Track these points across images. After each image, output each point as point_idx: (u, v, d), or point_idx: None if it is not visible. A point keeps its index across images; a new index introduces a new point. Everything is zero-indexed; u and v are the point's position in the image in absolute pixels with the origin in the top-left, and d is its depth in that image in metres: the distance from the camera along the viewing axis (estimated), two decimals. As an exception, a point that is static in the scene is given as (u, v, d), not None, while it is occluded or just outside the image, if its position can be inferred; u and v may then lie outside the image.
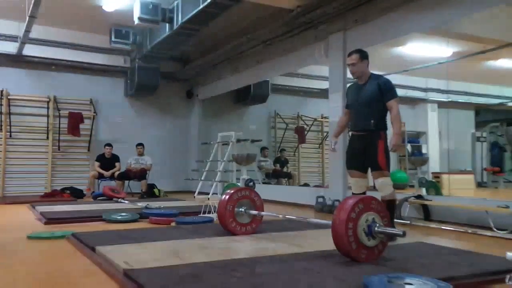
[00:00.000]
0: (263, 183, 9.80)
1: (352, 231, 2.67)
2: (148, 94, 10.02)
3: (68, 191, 8.74)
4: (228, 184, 5.49)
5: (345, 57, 6.27)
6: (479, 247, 3.68)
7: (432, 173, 12.05)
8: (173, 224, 4.66)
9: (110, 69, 9.79)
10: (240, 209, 3.77)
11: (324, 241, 3.11)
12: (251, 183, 5.23)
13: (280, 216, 3.56)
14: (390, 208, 3.66)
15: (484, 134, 14.18)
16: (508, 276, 2.04)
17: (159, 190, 9.25)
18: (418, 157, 8.08)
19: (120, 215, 5.16)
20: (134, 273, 2.41)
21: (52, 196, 8.40)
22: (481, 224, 4.44)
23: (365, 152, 3.66)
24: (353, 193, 3.86)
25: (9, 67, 9.06)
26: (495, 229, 4.16)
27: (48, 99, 9.32)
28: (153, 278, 2.30)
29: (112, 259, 2.75)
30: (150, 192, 8.98)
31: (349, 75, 5.02)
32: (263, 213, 3.73)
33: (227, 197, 3.75)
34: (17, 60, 8.99)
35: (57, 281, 2.55)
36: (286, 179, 10.34)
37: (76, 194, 8.68)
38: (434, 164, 12.91)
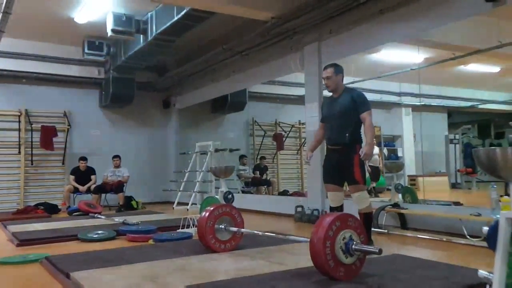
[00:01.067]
0: (243, 191, 9.78)
1: (329, 249, 2.68)
2: (123, 105, 9.89)
3: (42, 207, 8.51)
4: (207, 197, 5.45)
5: (320, 68, 6.37)
6: (453, 257, 3.75)
7: (408, 176, 12.28)
8: (151, 241, 4.59)
9: (84, 80, 9.64)
10: (220, 226, 3.75)
11: (303, 257, 3.09)
12: (230, 196, 5.21)
13: (260, 233, 3.54)
14: (367, 221, 3.71)
15: (457, 136, 14.54)
16: (482, 293, 2.07)
17: (136, 202, 9.13)
18: (394, 163, 8.19)
19: (96, 233, 5.06)
20: (110, 303, 2.36)
21: (25, 212, 8.17)
22: (455, 232, 4.53)
23: (341, 166, 3.70)
24: (330, 207, 3.89)
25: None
26: (468, 237, 4.25)
27: (19, 113, 9.10)
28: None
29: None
30: (127, 205, 8.85)
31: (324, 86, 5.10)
32: (243, 230, 3.71)
33: (207, 214, 3.72)
34: (-16, 73, 8.77)
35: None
36: (265, 186, 10.34)
37: (50, 210, 8.47)
38: (410, 167, 13.17)
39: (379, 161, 10.49)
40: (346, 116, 3.69)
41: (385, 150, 11.42)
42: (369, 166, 10.18)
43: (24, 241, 4.87)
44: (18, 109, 9.14)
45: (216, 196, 5.35)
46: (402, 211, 5.03)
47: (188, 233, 4.73)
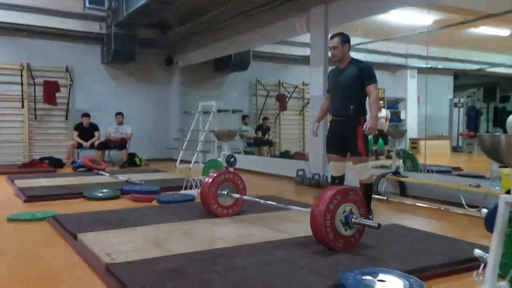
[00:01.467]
0: (244, 151, 9.87)
1: (329, 222, 2.75)
2: (126, 62, 9.78)
3: (47, 161, 8.65)
4: (209, 160, 5.51)
5: (326, 31, 6.27)
6: (451, 228, 3.84)
7: (410, 139, 12.32)
8: (154, 202, 4.69)
9: (85, 35, 9.47)
10: (223, 192, 3.82)
11: (303, 225, 3.17)
12: (232, 159, 5.26)
13: (261, 201, 3.61)
14: (368, 191, 3.78)
15: (462, 100, 14.45)
16: (475, 272, 2.15)
17: (140, 159, 9.24)
18: (397, 130, 8.19)
19: (101, 192, 5.17)
20: (116, 269, 2.45)
21: (30, 166, 8.31)
22: (454, 201, 4.60)
23: (344, 138, 3.72)
24: (332, 176, 3.94)
25: (-23, 33, 8.72)
26: (466, 207, 4.32)
27: (21, 67, 9.03)
28: (134, 275, 2.35)
29: (94, 251, 2.79)
30: (130, 162, 8.97)
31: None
32: (245, 197, 3.79)
33: (211, 180, 3.79)
34: (-15, 26, 8.64)
35: (40, 275, 2.58)
36: (267, 147, 10.41)
37: (55, 164, 8.61)
38: (412, 130, 13.19)
39: (385, 124, 10.52)
40: (351, 88, 3.66)
41: (388, 112, 11.36)
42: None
43: (31, 197, 4.99)
44: (20, 62, 9.06)
45: (219, 159, 5.40)
46: (402, 179, 5.10)
47: (191, 195, 4.82)
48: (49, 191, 5.29)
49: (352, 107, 3.67)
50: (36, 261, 2.83)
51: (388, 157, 9.59)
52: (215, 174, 3.85)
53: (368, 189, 3.75)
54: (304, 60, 10.14)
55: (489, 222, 2.16)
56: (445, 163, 9.20)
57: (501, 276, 2.08)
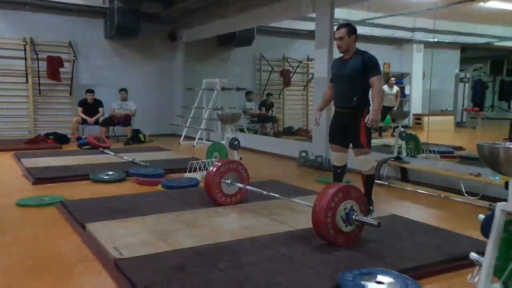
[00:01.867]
0: (248, 128, 9.91)
1: (330, 219, 2.83)
2: (129, 37, 9.69)
3: (52, 137, 8.74)
4: (213, 143, 5.55)
5: (332, 11, 6.20)
6: (450, 218, 3.93)
7: (414, 114, 12.31)
8: (159, 186, 4.78)
9: (88, 9, 9.39)
10: (227, 181, 3.90)
11: (304, 216, 3.24)
12: (236, 142, 5.30)
13: (265, 192, 3.68)
14: (369, 182, 3.83)
15: (468, 75, 14.31)
16: (470, 274, 2.23)
17: (144, 135, 9.31)
18: (401, 112, 8.18)
19: (107, 174, 5.26)
20: (124, 265, 2.55)
21: (36, 142, 8.40)
22: (454, 187, 4.66)
23: (347, 129, 3.74)
24: (334, 165, 4.00)
25: (-21, 7, 8.64)
26: (466, 195, 4.39)
27: (24, 42, 8.99)
28: (141, 272, 2.45)
29: (102, 244, 2.89)
30: (135, 138, 9.03)
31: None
32: (248, 187, 3.86)
33: (215, 169, 3.86)
34: (-13, 0, 8.55)
35: (51, 268, 2.69)
36: (271, 123, 10.44)
37: (60, 140, 8.70)
38: (416, 105, 13.15)
39: (394, 102, 10.52)
40: (355, 79, 3.66)
41: (386, 86, 11.27)
42: (383, 106, 10.21)
43: (39, 179, 5.10)
44: (23, 37, 9.01)
45: (222, 142, 5.45)
46: (404, 165, 5.15)
47: (195, 180, 4.91)
48: (56, 173, 5.38)
49: (355, 98, 3.67)
50: (47, 253, 2.92)
51: (393, 134, 9.64)
52: (219, 164, 3.91)
53: (369, 180, 3.80)
54: (309, 35, 10.03)
55: (485, 228, 2.22)
56: (448, 141, 9.24)
57: (495, 275, 2.16)
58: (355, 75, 3.67)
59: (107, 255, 2.76)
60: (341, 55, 3.85)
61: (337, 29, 3.78)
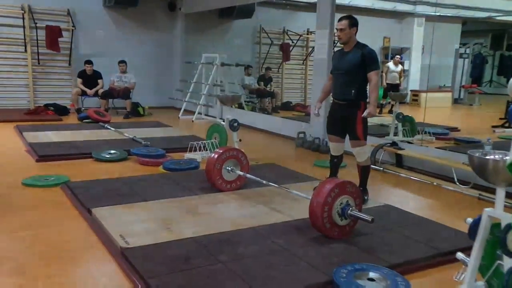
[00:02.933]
0: (246, 101, 9.96)
1: (327, 213, 2.98)
2: (128, 6, 9.57)
3: (52, 108, 8.79)
4: (212, 125, 5.64)
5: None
6: (440, 207, 4.10)
7: (411, 91, 12.37)
8: (161, 168, 4.91)
9: (87, -25, 9.23)
10: (227, 168, 4.02)
11: (303, 205, 3.39)
12: (236, 124, 5.40)
13: (264, 182, 3.82)
14: (364, 172, 3.97)
15: (468, 51, 14.26)
16: (456, 273, 2.40)
17: (143, 108, 9.37)
18: (398, 94, 8.24)
19: (109, 153, 5.37)
20: (130, 254, 2.71)
21: (36, 113, 8.46)
22: (447, 175, 4.81)
23: (344, 121, 3.84)
24: (331, 154, 4.12)
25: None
26: (458, 183, 4.55)
27: (23, 10, 8.87)
28: (147, 262, 2.61)
29: (109, 231, 3.04)
30: (134, 111, 9.09)
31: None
32: (248, 175, 3.99)
33: (216, 156, 3.98)
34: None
35: (60, 254, 2.83)
36: (269, 98, 10.48)
37: (60, 111, 8.75)
38: (414, 81, 13.17)
39: (398, 80, 10.57)
40: (353, 72, 3.73)
41: (391, 63, 11.30)
42: (386, 83, 10.30)
43: (42, 156, 5.22)
44: (20, 4, 8.90)
45: (222, 123, 5.54)
46: (399, 151, 5.28)
47: (195, 162, 5.04)
48: (60, 150, 5.50)
49: (353, 91, 3.75)
50: (56, 238, 3.07)
51: (391, 111, 9.73)
52: (220, 151, 4.03)
53: (364, 170, 3.94)
54: (309, 7, 9.95)
55: (472, 232, 2.38)
56: (444, 120, 9.36)
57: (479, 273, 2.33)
58: (354, 69, 3.74)
59: (113, 243, 2.91)
60: (342, 46, 3.90)
61: (339, 20, 3.81)
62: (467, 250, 2.49)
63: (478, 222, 2.45)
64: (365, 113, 3.69)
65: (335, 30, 4.13)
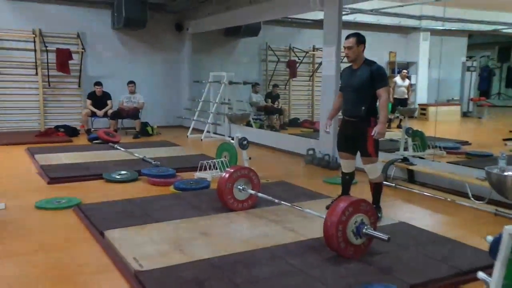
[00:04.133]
0: (254, 119, 9.98)
1: (341, 232, 2.94)
2: (136, 28, 9.71)
3: (62, 129, 8.87)
4: (222, 144, 5.65)
5: (340, 9, 6.20)
6: (456, 224, 4.03)
7: (419, 104, 12.33)
8: (171, 188, 4.90)
9: (96, 0, 9.38)
10: (239, 187, 4.01)
11: (316, 223, 3.37)
12: (245, 142, 5.40)
13: (276, 201, 3.79)
14: (377, 189, 3.93)
15: (475, 64, 14.23)
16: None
17: (152, 128, 9.42)
18: (407, 109, 8.22)
19: (120, 174, 5.38)
20: (144, 277, 2.68)
21: (47, 135, 8.54)
22: (461, 190, 4.73)
23: (354, 138, 3.82)
24: (342, 172, 4.09)
25: (-12, -1, 8.68)
26: (472, 199, 4.48)
27: (34, 34, 9.03)
28: (161, 286, 2.58)
29: (122, 254, 3.02)
30: (143, 131, 9.14)
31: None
32: (259, 194, 3.96)
33: (227, 175, 3.97)
34: (-3, -9, 8.59)
35: (75, 277, 2.81)
36: (277, 115, 10.50)
37: (70, 132, 8.82)
38: (422, 95, 13.14)
39: (406, 94, 10.57)
40: (363, 89, 3.72)
41: (398, 78, 11.27)
42: (394, 98, 10.30)
43: (54, 179, 5.23)
44: (32, 29, 9.06)
45: (232, 141, 5.54)
46: (410, 167, 5.24)
47: (206, 182, 5.02)
48: (71, 172, 5.51)
49: (363, 108, 3.74)
50: (69, 262, 3.05)
51: (399, 126, 9.69)
52: (232, 170, 4.02)
53: (377, 187, 3.90)
54: (315, 24, 10.03)
55: (493, 251, 2.33)
56: (454, 134, 9.29)
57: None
58: (363, 86, 3.74)
59: (127, 266, 2.89)
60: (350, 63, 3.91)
61: (346, 38, 3.83)
62: (488, 269, 2.44)
63: (499, 240, 2.40)
64: (374, 133, 3.66)
65: (342, 48, 4.13)
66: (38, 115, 9.33)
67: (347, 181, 4.09)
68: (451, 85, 13.74)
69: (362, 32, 3.88)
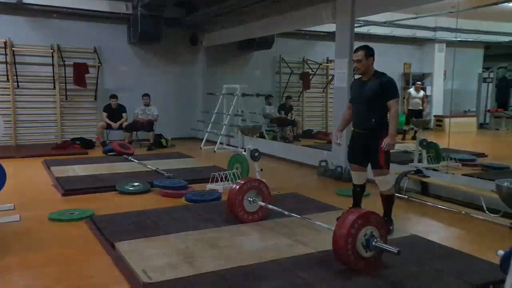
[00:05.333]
0: (267, 131, 9.99)
1: (351, 245, 2.91)
2: (151, 42, 9.88)
3: (78, 142, 9.01)
4: (234, 155, 5.67)
5: (352, 22, 6.23)
6: (470, 238, 3.96)
7: (435, 116, 12.20)
8: (183, 200, 4.92)
9: (112, 16, 9.60)
10: (249, 199, 4.01)
11: (326, 236, 3.34)
12: (257, 154, 5.41)
13: (286, 213, 3.78)
14: (388, 201, 3.89)
15: (491, 75, 14.05)
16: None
17: (166, 140, 9.51)
18: (420, 120, 8.15)
19: (132, 186, 5.43)
20: (153, 290, 2.70)
21: (63, 147, 8.68)
22: (475, 203, 4.66)
23: (365, 149, 3.80)
24: (353, 184, 4.07)
25: (9, 15, 8.92)
26: (487, 212, 4.40)
27: (52, 49, 9.25)
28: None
29: (132, 266, 3.04)
30: (157, 143, 9.23)
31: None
32: (270, 206, 3.96)
33: (237, 187, 3.98)
34: (17, 8, 8.83)
35: (84, 291, 2.85)
36: (290, 126, 10.50)
37: (86, 145, 8.96)
38: (437, 106, 13.00)
39: (421, 105, 10.50)
40: (373, 101, 3.71)
41: (412, 90, 11.17)
42: (408, 109, 10.25)
43: (68, 190, 5.31)
44: (50, 44, 9.28)
45: (243, 153, 5.56)
46: (424, 179, 5.17)
47: (217, 193, 5.04)
48: (85, 184, 5.59)
49: (373, 120, 3.73)
50: (80, 274, 3.08)
51: (414, 137, 9.60)
52: (242, 182, 4.03)
53: (388, 200, 3.86)
54: (328, 36, 10.04)
55: (504, 265, 2.29)
56: (469, 146, 9.15)
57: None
58: (373, 98, 3.72)
59: (136, 278, 2.90)
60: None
61: (355, 51, 3.82)
62: (501, 283, 2.39)
63: (509, 255, 2.36)
64: (383, 145, 3.64)
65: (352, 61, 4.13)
66: (55, 128, 9.51)
67: (358, 193, 4.06)
68: (467, 97, 13.57)
69: (376, 44, 3.88)
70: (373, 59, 3.78)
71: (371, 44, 3.85)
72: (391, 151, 3.76)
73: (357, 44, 4.08)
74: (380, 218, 3.09)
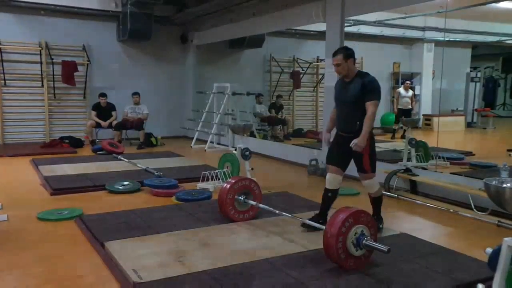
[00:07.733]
0: (257, 129, 10.00)
1: (341, 244, 2.92)
2: (141, 40, 9.82)
3: (67, 141, 8.93)
4: (224, 154, 5.66)
5: (342, 21, 6.25)
6: (458, 235, 4.00)
7: (423, 115, 12.31)
8: (173, 199, 4.91)
9: (101, 13, 9.53)
10: (240, 198, 4.00)
11: (316, 235, 3.35)
12: (247, 153, 5.41)
13: (277, 212, 3.78)
14: (377, 202, 3.87)
15: (479, 74, 14.21)
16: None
17: (156, 139, 9.46)
18: (409, 119, 8.22)
19: (122, 185, 5.40)
20: (143, 289, 2.68)
21: (51, 146, 8.60)
22: (463, 201, 4.70)
23: (349, 154, 3.65)
24: (325, 188, 3.80)
25: (-4, 12, 8.81)
26: (475, 210, 4.45)
27: (40, 47, 9.15)
28: (161, 299, 2.58)
29: (121, 266, 3.02)
30: (147, 141, 9.18)
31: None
32: (260, 205, 3.96)
33: (228, 186, 3.97)
34: (4, 4, 8.72)
35: (73, 291, 2.82)
36: (280, 125, 10.52)
37: (75, 144, 8.88)
38: (426, 106, 13.12)
39: (410, 105, 10.58)
40: (356, 103, 3.58)
41: (402, 89, 11.25)
42: (398, 108, 10.33)
43: (57, 190, 5.26)
44: (38, 41, 9.18)
45: (234, 152, 5.55)
46: (413, 178, 5.22)
47: (207, 193, 5.03)
48: (74, 183, 5.54)
49: (358, 123, 3.59)
50: (68, 273, 3.05)
51: (403, 136, 9.67)
52: (233, 181, 4.02)
53: (376, 200, 3.85)
54: (319, 35, 10.07)
55: (492, 262, 2.32)
56: (458, 145, 9.25)
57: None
58: (357, 99, 3.57)
59: (126, 278, 2.89)
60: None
61: (333, 55, 3.67)
62: (489, 281, 2.42)
63: (498, 252, 2.39)
64: (352, 144, 3.51)
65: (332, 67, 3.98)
66: (44, 126, 9.41)
67: (329, 198, 3.77)
68: (455, 96, 13.71)
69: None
70: (354, 60, 3.65)
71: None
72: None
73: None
74: (370, 217, 3.11)
